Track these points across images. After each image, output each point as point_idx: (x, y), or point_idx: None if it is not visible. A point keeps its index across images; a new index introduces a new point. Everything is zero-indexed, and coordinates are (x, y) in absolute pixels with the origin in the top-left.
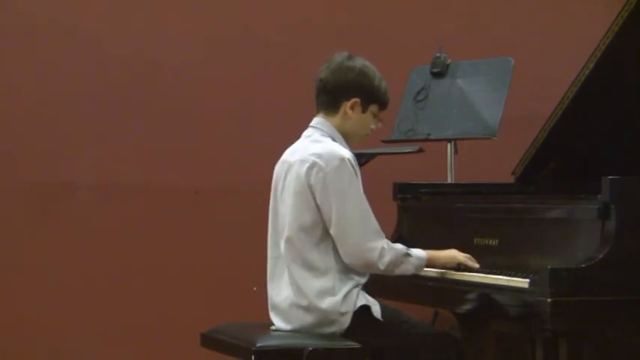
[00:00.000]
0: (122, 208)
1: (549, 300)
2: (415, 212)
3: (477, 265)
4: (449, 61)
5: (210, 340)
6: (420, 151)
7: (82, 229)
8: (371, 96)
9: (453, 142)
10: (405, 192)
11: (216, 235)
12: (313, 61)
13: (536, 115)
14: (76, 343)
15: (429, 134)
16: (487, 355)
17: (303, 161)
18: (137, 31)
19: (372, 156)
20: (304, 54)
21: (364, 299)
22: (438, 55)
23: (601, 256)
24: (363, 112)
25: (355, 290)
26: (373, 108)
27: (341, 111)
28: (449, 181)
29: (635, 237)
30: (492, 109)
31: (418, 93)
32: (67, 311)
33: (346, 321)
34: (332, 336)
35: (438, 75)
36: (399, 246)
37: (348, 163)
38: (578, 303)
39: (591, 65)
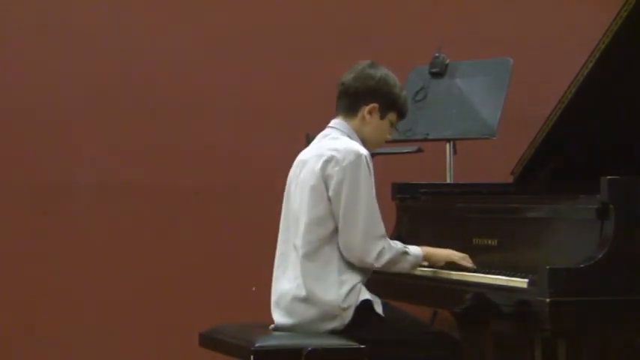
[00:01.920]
0: (122, 208)
1: (548, 300)
2: (414, 212)
3: (470, 265)
4: (448, 61)
5: (209, 340)
6: (419, 151)
7: (81, 229)
8: (390, 103)
9: (451, 142)
10: (404, 192)
11: (215, 235)
12: (313, 61)
13: (535, 115)
14: (76, 343)
15: (427, 134)
16: (486, 355)
17: (319, 156)
18: (137, 31)
19: (371, 156)
20: (304, 54)
21: (367, 294)
22: (437, 55)
23: (600, 256)
24: (381, 118)
25: (358, 286)
26: (391, 116)
27: (360, 115)
28: (448, 181)
29: (634, 237)
30: (491, 109)
31: (417, 93)
32: (67, 311)
33: (348, 316)
34: (332, 334)
35: (436, 75)
36: (398, 244)
37: (365, 159)
38: (577, 303)
39: (590, 65)
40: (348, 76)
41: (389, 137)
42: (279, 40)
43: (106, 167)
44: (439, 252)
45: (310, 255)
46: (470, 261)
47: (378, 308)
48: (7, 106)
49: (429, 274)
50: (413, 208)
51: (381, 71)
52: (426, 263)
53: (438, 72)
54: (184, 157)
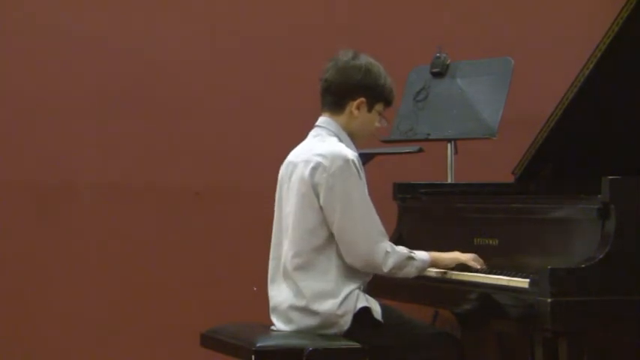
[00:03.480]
0: (122, 209)
1: (549, 300)
2: (415, 212)
3: (478, 266)
4: (449, 61)
5: (209, 340)
6: (420, 151)
7: (81, 229)
8: (376, 95)
9: (452, 142)
10: (405, 192)
11: (216, 235)
12: (314, 61)
13: (536, 115)
14: (77, 343)
15: (428, 134)
16: (487, 355)
17: (307, 162)
18: (138, 30)
19: (372, 156)
20: (305, 54)
21: (364, 300)
22: (438, 55)
23: (601, 256)
24: (369, 111)
25: (355, 292)
26: (379, 107)
27: (347, 111)
28: (449, 181)
29: (635, 237)
30: (492, 109)
31: (418, 93)
32: (67, 311)
33: (346, 323)
34: (332, 336)
35: (437, 75)
36: (403, 249)
37: (352, 164)
38: (578, 303)
39: (591, 65)
40: (330, 71)
41: (378, 125)
42: (279, 40)
43: (106, 167)
44: (446, 256)
45: (305, 265)
46: (480, 260)
47: (377, 314)
48: (7, 106)
49: (431, 274)
50: (414, 208)
51: (364, 61)
52: (433, 268)
53: (439, 72)
54: (184, 157)
